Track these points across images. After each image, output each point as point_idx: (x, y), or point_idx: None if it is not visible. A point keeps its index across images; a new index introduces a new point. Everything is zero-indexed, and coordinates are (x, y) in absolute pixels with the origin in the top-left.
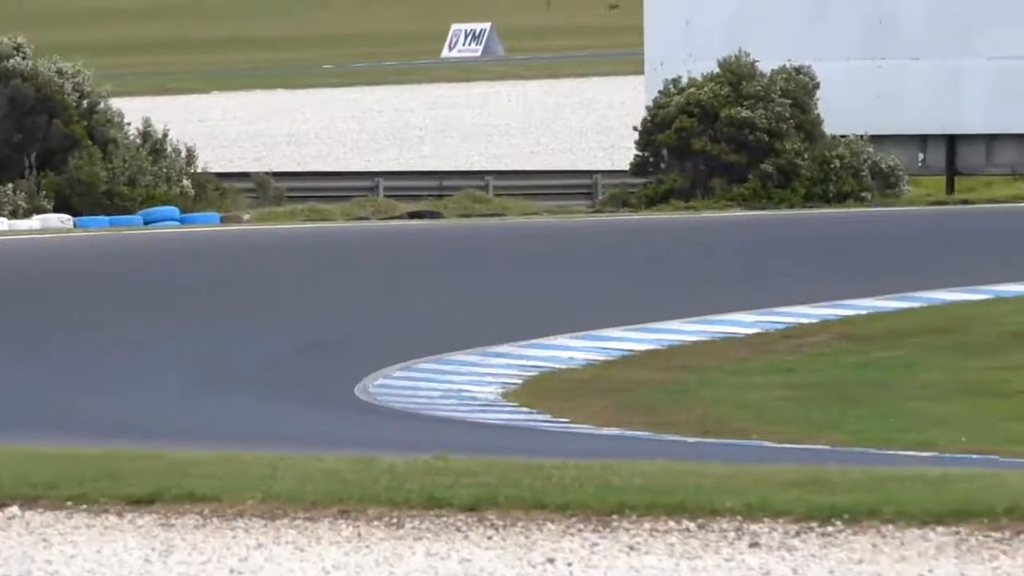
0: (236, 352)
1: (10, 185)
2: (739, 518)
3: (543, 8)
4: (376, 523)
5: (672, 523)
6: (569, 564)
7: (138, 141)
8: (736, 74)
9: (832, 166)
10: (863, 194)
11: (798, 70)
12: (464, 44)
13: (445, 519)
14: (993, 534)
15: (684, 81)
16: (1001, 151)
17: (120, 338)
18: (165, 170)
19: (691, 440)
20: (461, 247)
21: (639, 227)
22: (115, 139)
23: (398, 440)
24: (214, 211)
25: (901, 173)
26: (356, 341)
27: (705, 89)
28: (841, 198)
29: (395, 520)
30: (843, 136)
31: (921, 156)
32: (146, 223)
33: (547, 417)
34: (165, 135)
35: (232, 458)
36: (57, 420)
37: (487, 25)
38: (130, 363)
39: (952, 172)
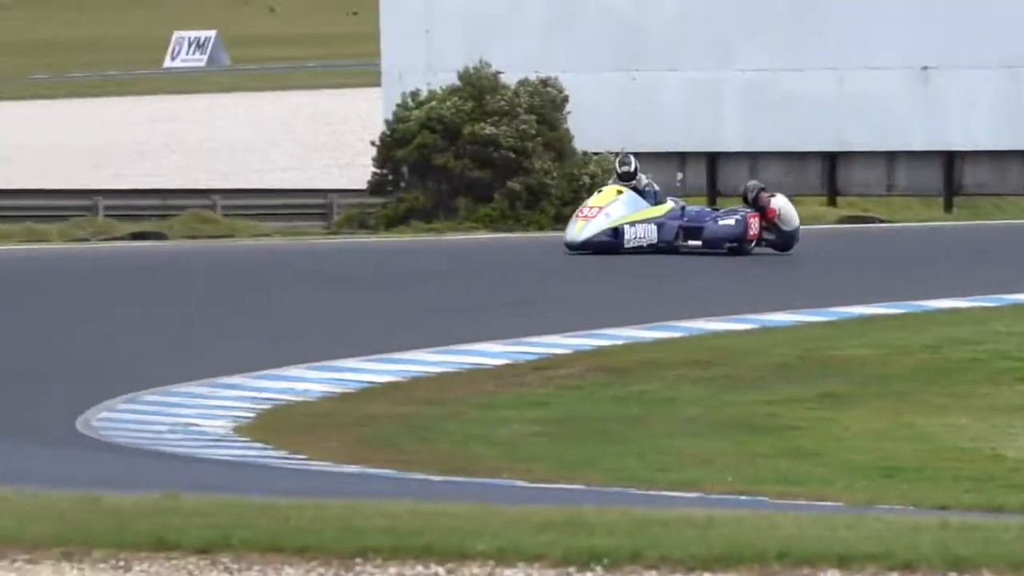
0: None
1: None
2: (491, 563)
3: (269, 15)
4: (102, 565)
5: (420, 567)
6: None
7: None
8: (477, 87)
9: (582, 184)
10: None
11: (544, 82)
12: (188, 53)
13: (176, 562)
14: None
15: (424, 94)
16: (764, 169)
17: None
18: None
19: (438, 479)
20: (187, 271)
21: (378, 250)
22: None
23: (125, 478)
24: None
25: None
26: (76, 371)
27: (447, 104)
28: None
29: (122, 563)
30: (595, 153)
31: (680, 175)
32: None
33: (283, 453)
34: None
35: None
36: None
37: (212, 33)
38: None
39: (714, 192)
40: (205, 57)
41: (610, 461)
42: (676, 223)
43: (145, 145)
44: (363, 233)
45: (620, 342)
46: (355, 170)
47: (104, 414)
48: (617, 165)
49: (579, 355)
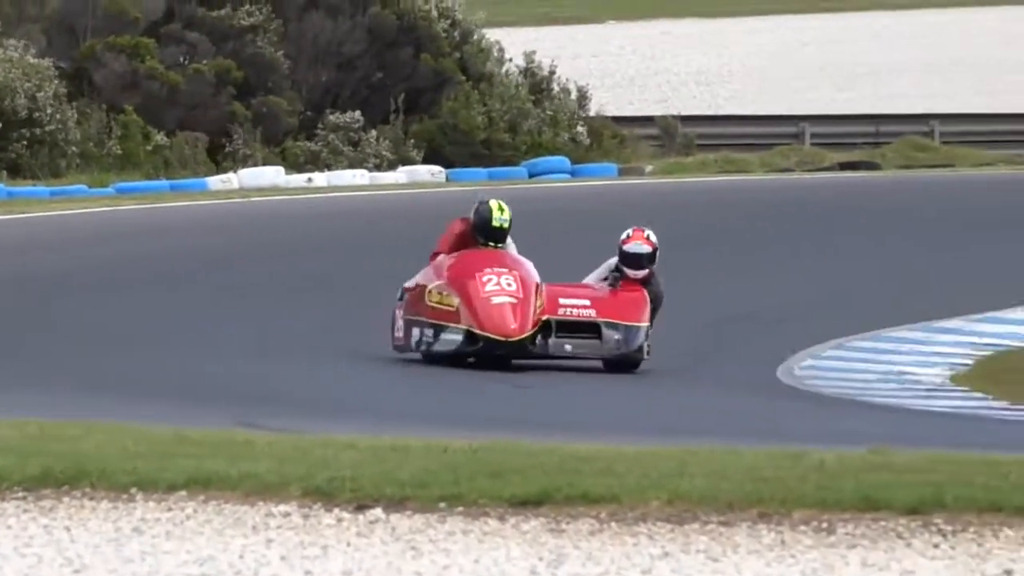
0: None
1: (373, 132)
2: None
3: None
4: (803, 528)
5: None
6: None
7: (519, 79)
8: None
9: None
10: None
11: None
12: None
13: (883, 524)
14: None
15: None
16: None
17: None
18: (552, 113)
19: None
20: (901, 205)
21: None
22: (492, 76)
23: (828, 431)
24: (611, 162)
25: None
26: (780, 316)
27: None
28: None
29: (825, 525)
30: None
31: None
32: (531, 176)
33: (1004, 404)
34: (552, 72)
35: (632, 453)
36: (428, 411)
37: None
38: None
39: None
40: None
41: None
42: None
43: (860, 66)
44: None
45: None
46: None
47: (808, 361)
48: None
49: None
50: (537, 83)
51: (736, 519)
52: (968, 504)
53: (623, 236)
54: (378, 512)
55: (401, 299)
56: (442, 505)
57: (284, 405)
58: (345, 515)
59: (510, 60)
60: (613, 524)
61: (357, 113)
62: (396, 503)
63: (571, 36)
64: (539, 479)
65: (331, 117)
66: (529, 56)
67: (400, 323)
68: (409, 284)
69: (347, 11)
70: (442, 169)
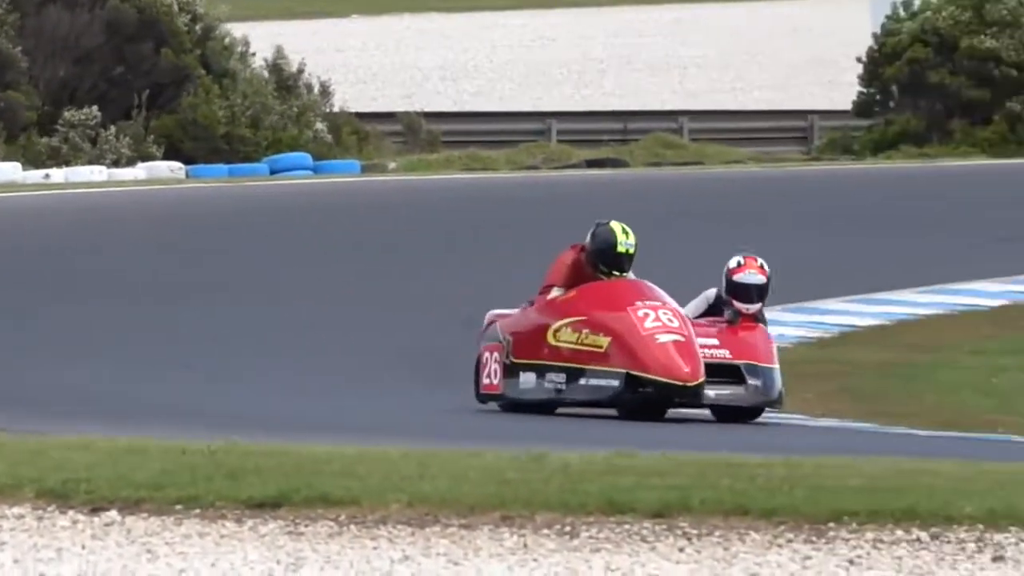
0: (401, 334)
1: (112, 128)
2: (980, 527)
3: None
4: (546, 531)
5: (900, 532)
6: None
7: (265, 75)
8: None
9: None
10: None
11: None
12: None
13: (628, 527)
14: None
15: (917, 3)
16: None
17: (246, 317)
18: (295, 109)
19: (923, 433)
20: (649, 203)
21: (864, 178)
22: (234, 72)
23: (562, 432)
24: (354, 159)
25: None
26: None
27: (943, 14)
28: None
29: (569, 528)
30: None
31: None
32: (272, 172)
33: None
34: (300, 71)
35: (373, 455)
36: (169, 409)
37: None
38: (260, 347)
39: None
40: None
41: None
42: None
43: (604, 62)
44: (847, 159)
45: None
46: (838, 89)
47: None
48: None
49: None
50: (284, 79)
51: (478, 522)
52: (714, 507)
53: (732, 264)
54: (113, 514)
55: (492, 341)
56: (178, 507)
57: (14, 406)
58: (80, 517)
59: (254, 55)
60: (353, 527)
61: (94, 108)
62: (132, 505)
63: (315, 31)
64: (277, 480)
65: (67, 114)
66: (279, 51)
67: (494, 367)
68: (508, 324)
69: (86, 4)
70: (182, 165)
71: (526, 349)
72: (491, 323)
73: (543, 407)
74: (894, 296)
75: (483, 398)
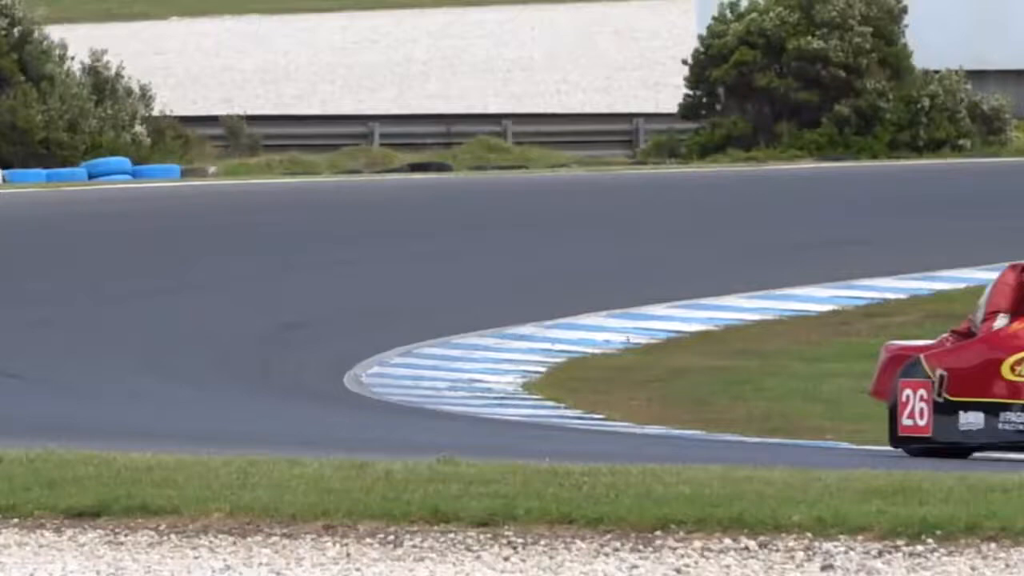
0: (222, 339)
1: None
2: (808, 535)
3: None
4: (369, 540)
5: (728, 541)
6: None
7: (82, 78)
8: None
9: (922, 107)
10: (961, 141)
11: None
12: None
13: (452, 536)
14: None
15: (744, 4)
16: None
17: (67, 321)
18: (114, 113)
19: (752, 441)
20: (474, 207)
21: (690, 182)
22: (52, 75)
23: (396, 440)
24: (174, 163)
25: (1007, 116)
26: (346, 322)
27: (770, 15)
28: (934, 146)
29: (392, 537)
30: (936, 72)
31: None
32: (91, 177)
33: (577, 413)
34: (119, 75)
35: (193, 463)
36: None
37: None
38: (81, 352)
39: None
40: None
41: None
42: None
43: (427, 64)
44: (673, 162)
45: (962, 285)
46: (664, 91)
47: (376, 368)
48: None
49: (916, 300)
50: (102, 82)
51: (300, 531)
52: (539, 515)
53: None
54: None
55: (914, 376)
56: None
57: None
58: None
59: (72, 59)
60: (173, 536)
61: None
62: None
63: (134, 33)
64: (96, 489)
65: None
66: (96, 54)
67: (919, 406)
68: (938, 358)
69: None
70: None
71: (970, 386)
72: (903, 357)
73: (987, 449)
74: (720, 302)
75: (903, 441)
